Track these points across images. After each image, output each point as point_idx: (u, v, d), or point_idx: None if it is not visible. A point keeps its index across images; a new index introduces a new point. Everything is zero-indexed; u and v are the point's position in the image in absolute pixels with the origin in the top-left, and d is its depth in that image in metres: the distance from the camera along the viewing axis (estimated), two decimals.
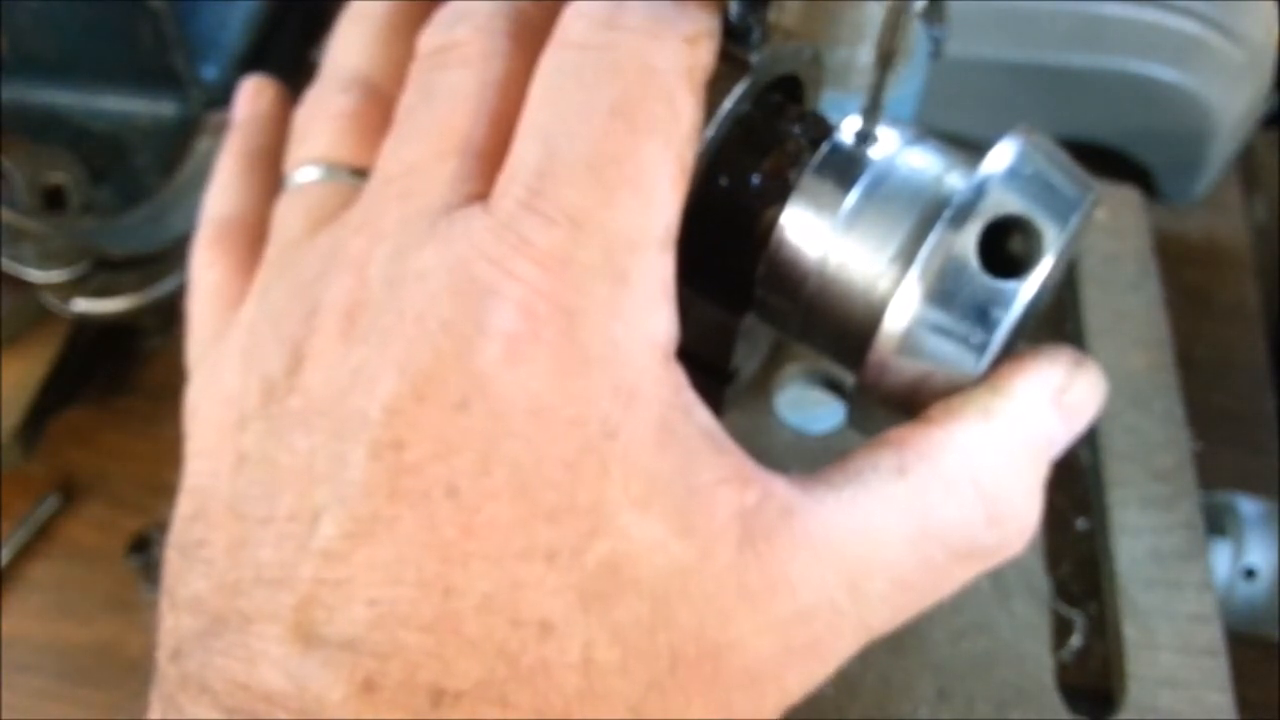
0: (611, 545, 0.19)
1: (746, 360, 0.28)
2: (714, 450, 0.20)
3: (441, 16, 0.23)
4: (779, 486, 0.20)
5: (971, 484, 0.21)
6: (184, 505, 0.22)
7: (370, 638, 0.18)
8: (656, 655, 0.19)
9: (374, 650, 0.18)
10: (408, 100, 0.23)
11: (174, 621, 0.21)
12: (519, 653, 0.18)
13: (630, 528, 0.19)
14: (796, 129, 0.24)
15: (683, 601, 0.19)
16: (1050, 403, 0.22)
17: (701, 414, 0.20)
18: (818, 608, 0.20)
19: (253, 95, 0.29)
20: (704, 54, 0.21)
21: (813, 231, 0.22)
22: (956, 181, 0.22)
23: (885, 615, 0.21)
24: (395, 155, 0.22)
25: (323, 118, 0.25)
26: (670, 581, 0.19)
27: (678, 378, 0.20)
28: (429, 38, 0.23)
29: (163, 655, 0.20)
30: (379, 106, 0.25)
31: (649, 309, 0.20)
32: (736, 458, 0.20)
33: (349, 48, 0.26)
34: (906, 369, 0.21)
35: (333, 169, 0.24)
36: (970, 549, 0.21)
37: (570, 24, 0.21)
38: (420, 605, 0.18)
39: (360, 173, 0.24)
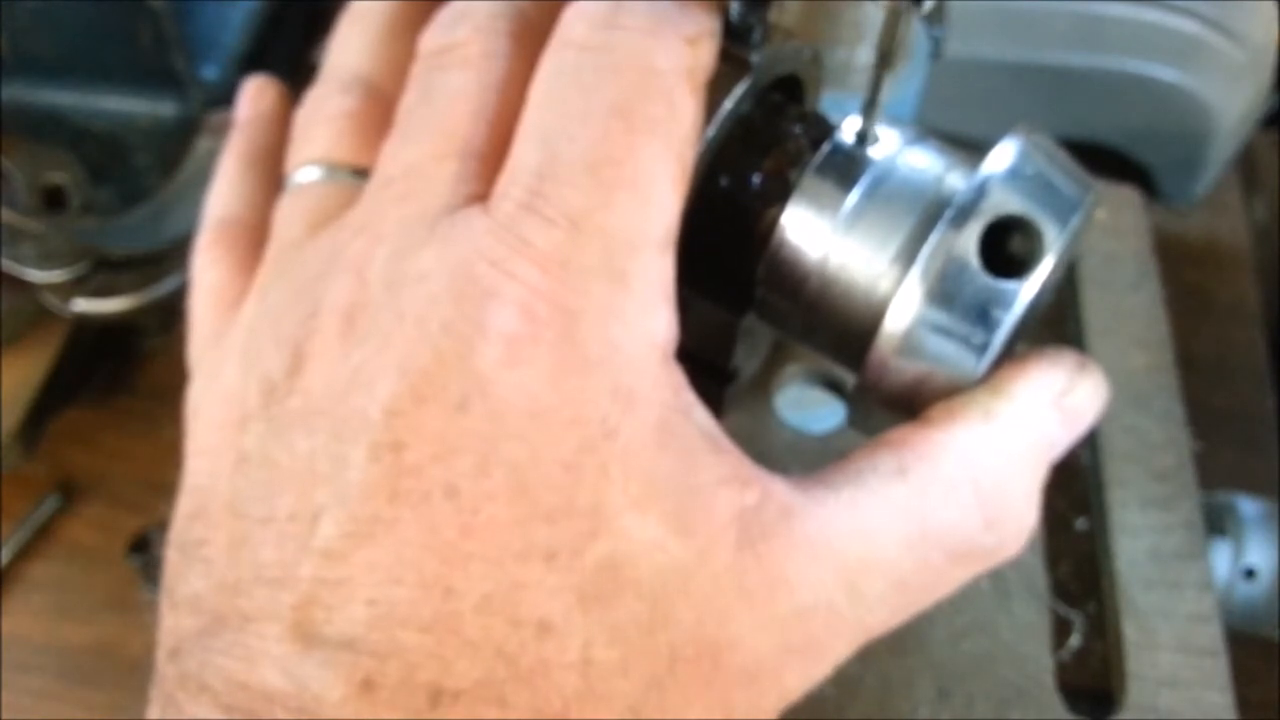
0: (611, 546, 0.19)
1: (746, 360, 0.28)
2: (713, 451, 0.20)
3: (442, 17, 0.23)
4: (778, 487, 0.20)
5: (970, 486, 0.21)
6: (184, 504, 0.22)
7: (369, 637, 0.18)
8: (656, 655, 0.19)
9: (373, 650, 0.18)
10: (408, 101, 0.23)
11: (173, 620, 0.21)
12: (518, 653, 0.18)
13: (629, 528, 0.19)
14: (797, 129, 0.24)
15: (682, 601, 0.19)
16: (1051, 405, 0.21)
17: (701, 415, 0.20)
18: (816, 607, 0.20)
19: (255, 96, 0.29)
20: (704, 54, 0.21)
21: (813, 231, 0.22)
22: (957, 181, 0.22)
23: (883, 615, 0.21)
24: (395, 156, 0.22)
25: (323, 118, 0.25)
26: (669, 581, 0.19)
27: (677, 379, 0.20)
28: (429, 38, 0.23)
29: (162, 654, 0.20)
30: (379, 107, 0.25)
31: (648, 310, 0.20)
32: (735, 458, 0.20)
33: (349, 48, 0.26)
34: (907, 369, 0.21)
35: (333, 169, 0.24)
36: (968, 550, 0.21)
37: (570, 24, 0.21)
38: (420, 606, 0.18)
39: (361, 173, 0.24)
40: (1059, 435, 0.22)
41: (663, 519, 0.19)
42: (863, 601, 0.20)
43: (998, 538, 0.21)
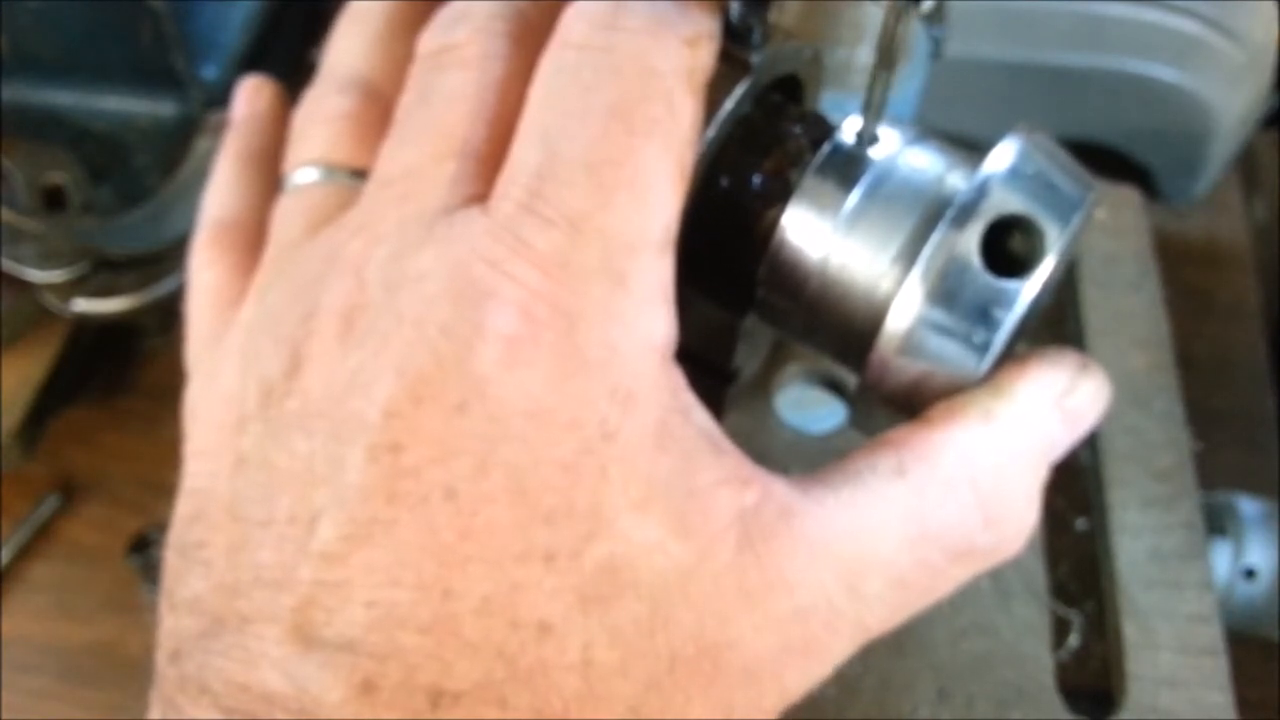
0: (610, 547, 0.19)
1: (747, 360, 0.28)
2: (713, 452, 0.20)
3: (441, 18, 0.23)
4: (778, 487, 0.20)
5: (970, 485, 0.21)
6: (183, 506, 0.22)
7: (369, 639, 0.18)
8: (655, 656, 0.19)
9: (373, 651, 0.18)
10: (406, 102, 0.23)
11: (173, 623, 0.21)
12: (518, 654, 0.18)
13: (629, 530, 0.19)
14: (797, 129, 0.24)
15: (681, 602, 0.19)
16: (1052, 406, 0.21)
17: (700, 415, 0.20)
18: (815, 607, 0.20)
19: (251, 95, 0.29)
20: (704, 55, 0.21)
21: (814, 232, 0.22)
22: (958, 181, 0.22)
23: (883, 615, 0.21)
24: (394, 157, 0.22)
25: (321, 119, 0.25)
26: (669, 582, 0.19)
27: (676, 380, 0.20)
28: (428, 39, 0.23)
29: (162, 656, 0.20)
30: (378, 107, 0.24)
31: (647, 311, 0.20)
32: (735, 459, 0.20)
33: (347, 48, 0.26)
34: (908, 369, 0.21)
35: (331, 170, 0.24)
36: (967, 550, 0.21)
37: (570, 25, 0.21)
38: (419, 607, 0.18)
39: (359, 174, 0.24)
40: (1060, 436, 0.22)
41: (662, 520, 0.19)
42: (862, 601, 0.20)
43: (997, 537, 0.21)
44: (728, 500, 0.20)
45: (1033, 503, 0.22)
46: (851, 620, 0.20)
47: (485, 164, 0.21)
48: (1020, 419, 0.21)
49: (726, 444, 0.20)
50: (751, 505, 0.20)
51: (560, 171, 0.20)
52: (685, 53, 0.21)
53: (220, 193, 0.27)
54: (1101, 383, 0.22)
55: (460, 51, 0.22)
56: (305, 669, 0.18)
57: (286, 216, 0.24)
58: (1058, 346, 0.22)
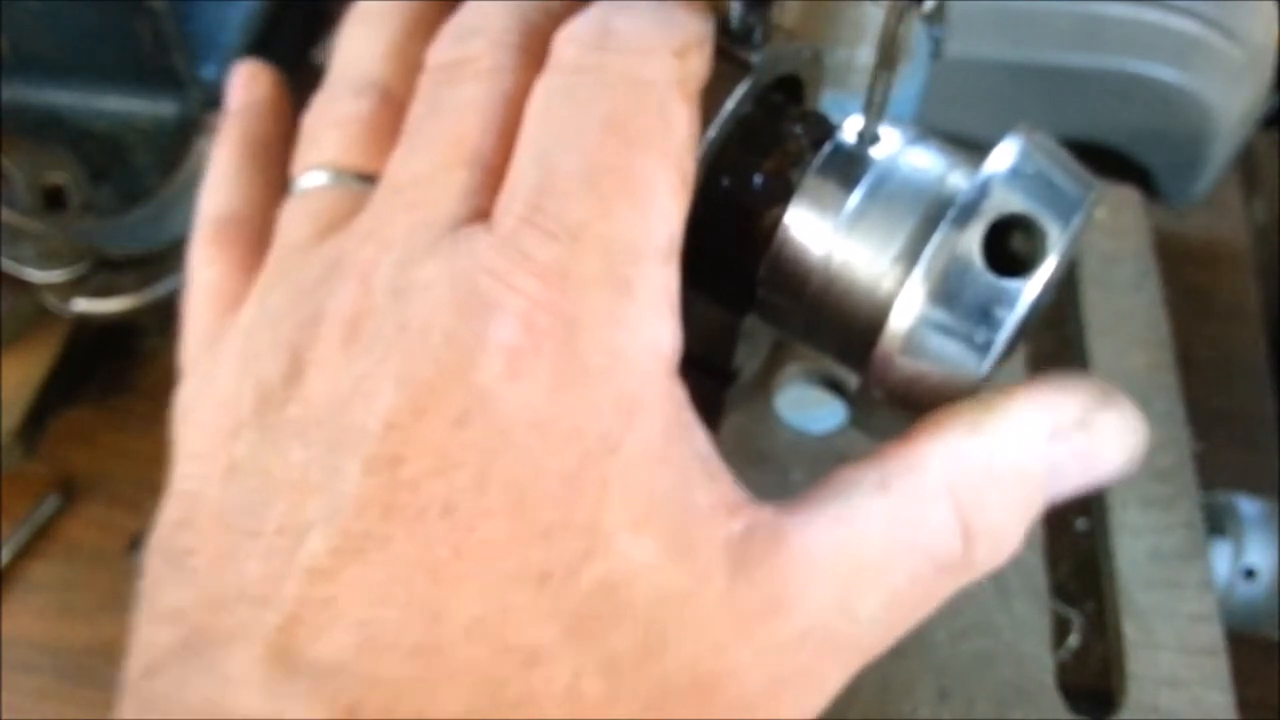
0: (606, 567, 0.18)
1: (746, 360, 0.28)
2: (706, 474, 0.20)
3: (454, 28, 0.23)
4: (765, 514, 0.20)
5: (949, 495, 0.20)
6: (170, 511, 0.21)
7: (353, 663, 0.18)
8: (647, 686, 0.18)
9: (356, 676, 0.17)
10: (417, 111, 0.22)
11: (150, 633, 0.20)
12: (505, 682, 0.18)
13: (626, 549, 0.18)
14: (798, 129, 0.24)
15: (676, 628, 0.19)
16: (1052, 432, 0.21)
17: (699, 436, 0.20)
18: (810, 632, 0.19)
19: (248, 82, 0.28)
20: (695, 63, 0.21)
21: (816, 232, 0.22)
22: (959, 181, 0.22)
23: (877, 634, 0.20)
24: (404, 165, 0.22)
25: (332, 122, 0.25)
26: (664, 606, 0.18)
27: (679, 395, 0.20)
28: (443, 50, 0.23)
29: (134, 668, 0.20)
30: (389, 111, 0.24)
31: (651, 319, 0.19)
32: (727, 485, 0.20)
33: (358, 50, 0.26)
34: (910, 368, 0.21)
35: (340, 174, 0.24)
36: (947, 562, 0.20)
37: (561, 49, 0.21)
38: (406, 629, 0.18)
39: (368, 178, 0.24)
40: (1068, 468, 0.21)
41: (659, 539, 0.19)
42: (856, 622, 0.20)
43: (971, 550, 0.20)
44: (720, 525, 0.19)
45: (1018, 523, 0.21)
46: (846, 641, 0.20)
47: (495, 175, 0.21)
48: (1010, 436, 0.21)
49: (720, 467, 0.20)
50: (741, 531, 0.19)
51: (559, 185, 0.19)
52: (675, 64, 0.21)
53: (220, 187, 0.26)
54: (1129, 421, 0.21)
55: (475, 64, 0.22)
56: (286, 693, 0.17)
57: (293, 220, 0.24)
58: (1075, 372, 0.22)
